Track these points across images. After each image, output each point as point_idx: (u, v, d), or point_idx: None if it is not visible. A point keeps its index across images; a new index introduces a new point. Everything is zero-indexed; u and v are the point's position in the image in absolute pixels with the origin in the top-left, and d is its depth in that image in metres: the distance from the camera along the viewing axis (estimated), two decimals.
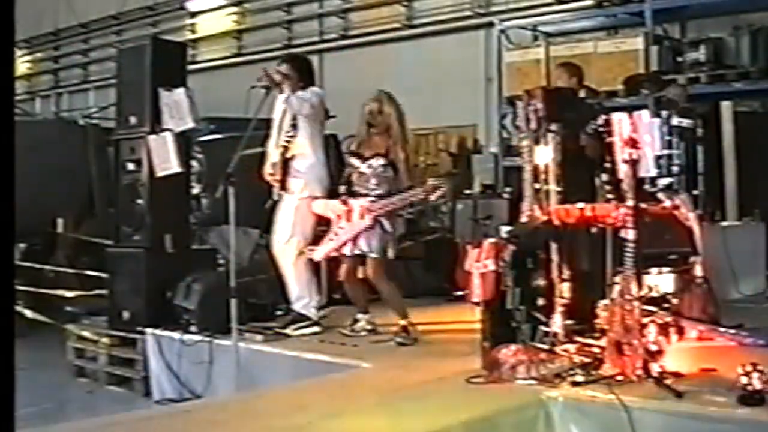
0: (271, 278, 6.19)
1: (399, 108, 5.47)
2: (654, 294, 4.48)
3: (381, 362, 4.76)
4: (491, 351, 4.14)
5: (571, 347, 4.26)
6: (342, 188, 5.49)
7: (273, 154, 5.70)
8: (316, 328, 5.63)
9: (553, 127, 4.80)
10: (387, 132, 5.41)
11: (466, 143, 10.29)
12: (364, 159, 5.42)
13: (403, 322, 5.33)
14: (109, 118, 9.45)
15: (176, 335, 5.86)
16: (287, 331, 5.57)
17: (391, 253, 5.37)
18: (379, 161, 5.38)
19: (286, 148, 5.63)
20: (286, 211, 5.67)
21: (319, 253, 5.51)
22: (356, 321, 5.59)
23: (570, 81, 6.52)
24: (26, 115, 14.08)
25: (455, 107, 10.30)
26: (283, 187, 5.65)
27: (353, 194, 5.41)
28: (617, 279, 4.00)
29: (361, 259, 5.42)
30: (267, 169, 5.70)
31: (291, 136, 5.63)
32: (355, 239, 5.31)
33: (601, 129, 4.65)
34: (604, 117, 4.62)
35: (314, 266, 5.85)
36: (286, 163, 5.63)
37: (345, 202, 5.38)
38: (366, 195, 5.36)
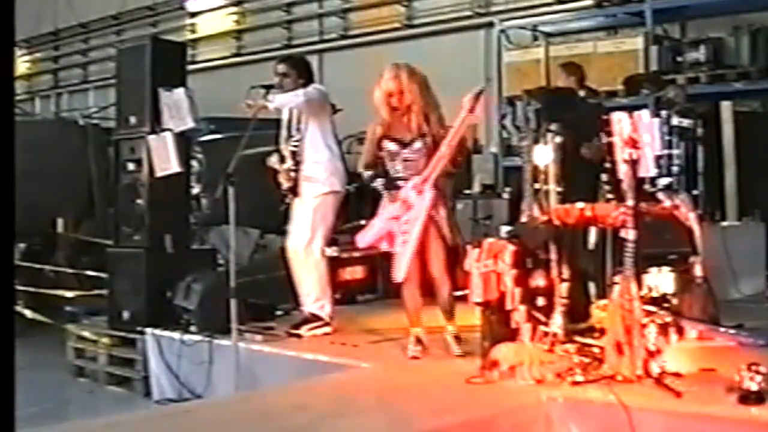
0: (271, 278, 6.19)
1: (420, 80, 4.93)
2: (654, 294, 4.49)
3: (381, 362, 4.76)
4: (491, 351, 4.14)
5: (571, 347, 4.26)
6: (379, 183, 4.85)
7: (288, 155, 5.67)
8: (327, 329, 5.61)
9: (553, 127, 4.80)
10: (412, 109, 4.85)
11: (466, 143, 10.28)
12: (405, 144, 4.82)
13: (453, 329, 4.83)
14: (109, 118, 9.44)
15: (176, 335, 5.86)
16: (300, 331, 5.54)
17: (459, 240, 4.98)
18: (422, 142, 4.80)
19: (294, 153, 5.60)
20: (304, 213, 5.59)
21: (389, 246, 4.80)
22: (419, 341, 4.85)
23: (567, 80, 6.51)
24: (26, 115, 14.08)
25: (455, 107, 10.28)
26: (295, 191, 5.60)
27: (397, 186, 4.80)
28: (617, 279, 4.00)
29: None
30: (284, 168, 5.65)
31: (298, 141, 5.60)
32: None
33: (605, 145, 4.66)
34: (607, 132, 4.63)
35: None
36: (297, 165, 5.59)
37: (394, 197, 4.76)
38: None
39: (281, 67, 5.73)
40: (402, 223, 4.68)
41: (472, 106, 4.62)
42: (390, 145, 4.84)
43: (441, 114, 4.90)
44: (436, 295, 4.88)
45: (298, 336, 5.50)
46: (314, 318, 5.59)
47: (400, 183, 4.78)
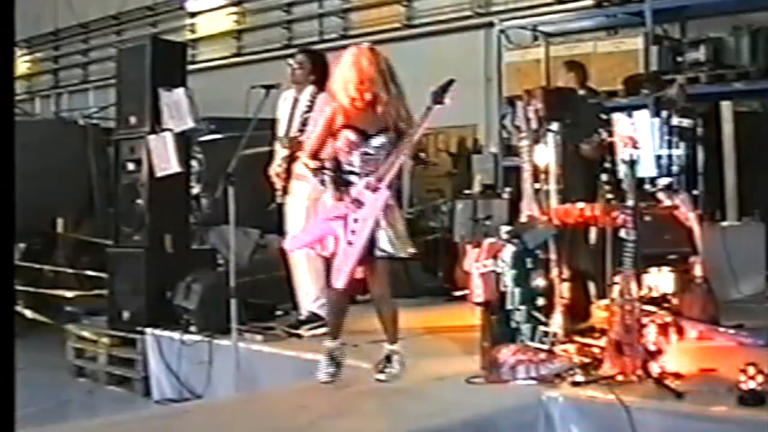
0: (271, 278, 6.18)
1: (384, 67, 4.28)
2: (654, 294, 4.49)
3: None
4: (491, 351, 4.14)
5: (571, 347, 4.26)
6: (327, 177, 4.24)
7: (281, 154, 5.64)
8: (303, 331, 5.59)
9: (553, 127, 4.80)
10: (375, 101, 4.23)
11: (466, 143, 10.29)
12: (367, 136, 4.21)
13: (391, 347, 4.34)
14: (109, 118, 9.46)
15: (176, 335, 5.86)
16: (300, 331, 5.53)
17: (409, 250, 4.32)
18: (386, 137, 4.21)
19: (293, 150, 5.58)
20: (299, 211, 5.58)
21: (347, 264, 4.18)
22: (333, 359, 4.32)
23: (567, 77, 6.50)
24: (26, 115, 14.09)
25: (455, 107, 10.26)
26: (285, 190, 5.59)
27: (347, 182, 4.21)
28: (617, 279, 4.01)
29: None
30: (274, 169, 5.63)
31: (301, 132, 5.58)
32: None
33: (605, 141, 4.67)
34: (606, 130, 4.64)
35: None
36: (290, 165, 5.58)
37: (341, 195, 4.17)
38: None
39: (298, 57, 5.76)
40: (352, 221, 4.13)
41: (440, 98, 4.18)
42: (351, 135, 4.19)
43: (406, 106, 4.33)
44: (377, 311, 4.43)
45: (298, 336, 5.50)
46: (315, 317, 5.59)
47: (351, 178, 4.20)
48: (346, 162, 4.21)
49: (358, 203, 4.13)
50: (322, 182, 4.28)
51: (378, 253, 4.19)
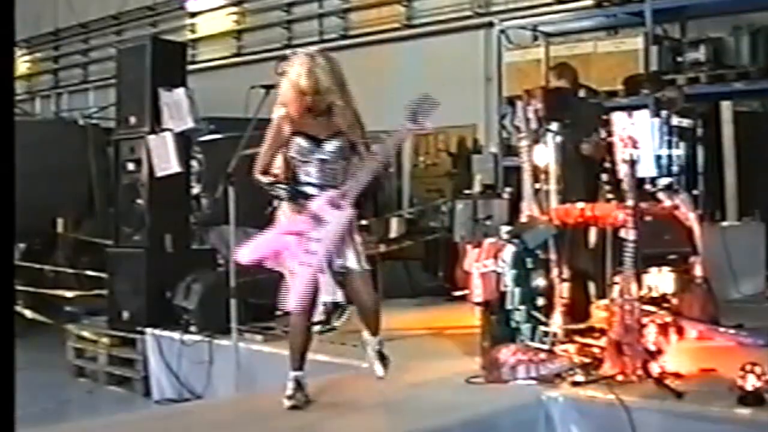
0: (271, 278, 6.16)
1: (339, 74, 4.02)
2: (654, 294, 4.49)
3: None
4: (491, 351, 4.15)
5: (571, 347, 4.27)
6: (283, 189, 3.96)
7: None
8: (335, 323, 5.56)
9: (553, 127, 4.81)
10: (330, 110, 3.99)
11: (466, 143, 10.29)
12: (319, 141, 3.96)
13: (378, 338, 4.21)
14: (109, 118, 9.46)
15: (176, 335, 5.87)
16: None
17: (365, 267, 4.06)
18: (340, 142, 3.98)
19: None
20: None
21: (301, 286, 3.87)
22: (299, 386, 3.91)
23: (558, 83, 6.50)
24: (26, 115, 14.10)
25: (455, 107, 10.24)
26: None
27: (305, 194, 3.94)
28: (617, 279, 4.01)
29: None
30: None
31: None
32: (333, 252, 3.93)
33: (604, 140, 4.68)
34: (606, 130, 4.64)
35: None
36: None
37: (301, 208, 3.91)
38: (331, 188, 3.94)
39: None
40: (306, 240, 3.85)
41: (417, 117, 3.90)
42: (303, 142, 3.94)
43: (355, 111, 4.07)
44: (364, 318, 4.17)
45: None
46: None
47: (309, 190, 3.94)
48: (303, 173, 3.97)
49: (319, 220, 3.87)
50: (279, 197, 3.98)
51: (351, 267, 3.96)
